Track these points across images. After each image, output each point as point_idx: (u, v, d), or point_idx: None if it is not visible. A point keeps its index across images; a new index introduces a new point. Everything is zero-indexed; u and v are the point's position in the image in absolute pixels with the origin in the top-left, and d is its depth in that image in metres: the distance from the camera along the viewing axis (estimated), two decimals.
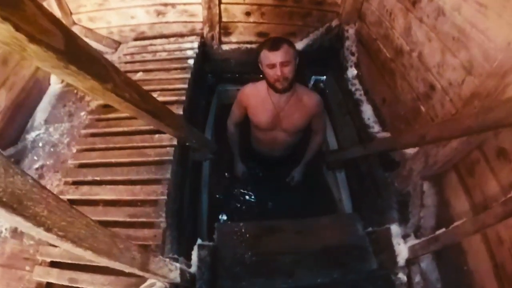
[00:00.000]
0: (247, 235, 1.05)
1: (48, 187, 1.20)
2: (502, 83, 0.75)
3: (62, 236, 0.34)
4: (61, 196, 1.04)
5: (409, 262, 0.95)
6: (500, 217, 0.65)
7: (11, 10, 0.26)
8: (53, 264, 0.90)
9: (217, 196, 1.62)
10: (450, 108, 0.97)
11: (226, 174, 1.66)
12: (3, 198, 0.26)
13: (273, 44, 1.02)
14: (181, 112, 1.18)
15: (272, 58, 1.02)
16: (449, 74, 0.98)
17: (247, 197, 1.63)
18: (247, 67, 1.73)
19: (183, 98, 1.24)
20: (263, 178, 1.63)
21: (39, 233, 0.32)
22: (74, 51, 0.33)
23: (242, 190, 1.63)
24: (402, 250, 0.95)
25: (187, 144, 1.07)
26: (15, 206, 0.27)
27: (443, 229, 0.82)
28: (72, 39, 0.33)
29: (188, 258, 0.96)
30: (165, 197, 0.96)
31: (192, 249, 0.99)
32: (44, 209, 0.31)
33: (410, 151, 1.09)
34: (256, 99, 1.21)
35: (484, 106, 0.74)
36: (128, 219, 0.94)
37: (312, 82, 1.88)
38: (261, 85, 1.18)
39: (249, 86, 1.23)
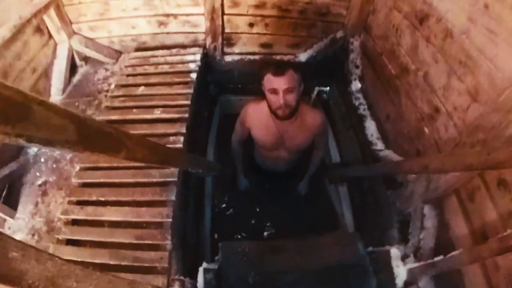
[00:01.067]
0: (251, 255, 1.09)
1: (52, 205, 1.23)
2: (506, 118, 0.78)
3: None
4: (66, 216, 1.07)
5: (408, 283, 1.00)
6: (495, 253, 0.69)
7: (23, 124, 0.26)
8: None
9: (221, 210, 1.66)
10: (454, 133, 0.99)
11: (229, 188, 1.69)
12: (39, 286, 0.29)
13: (278, 69, 0.99)
14: (184, 130, 1.21)
15: (276, 83, 0.99)
16: (454, 98, 1.00)
17: (250, 211, 1.67)
18: (250, 78, 1.74)
19: (186, 115, 1.25)
20: (266, 192, 1.66)
21: None
22: (87, 137, 0.34)
23: (245, 204, 1.67)
24: (400, 273, 0.99)
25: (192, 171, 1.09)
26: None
27: (441, 257, 0.87)
28: (84, 125, 0.34)
29: (192, 275, 1.01)
30: (171, 219, 1.00)
31: (196, 265, 1.03)
32: (73, 282, 0.34)
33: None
34: (259, 120, 1.21)
35: (486, 147, 0.77)
36: (134, 241, 0.98)
37: (315, 93, 1.90)
38: (264, 106, 1.16)
39: (252, 106, 1.22)
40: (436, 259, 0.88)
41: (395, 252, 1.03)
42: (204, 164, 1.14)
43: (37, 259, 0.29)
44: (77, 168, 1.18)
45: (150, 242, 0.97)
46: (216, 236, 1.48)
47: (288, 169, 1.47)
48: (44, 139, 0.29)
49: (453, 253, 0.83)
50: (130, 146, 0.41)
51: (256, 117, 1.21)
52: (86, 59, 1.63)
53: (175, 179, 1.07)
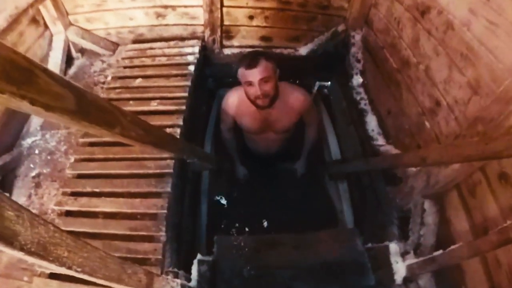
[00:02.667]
0: (246, 249, 1.11)
1: (45, 197, 1.25)
2: (506, 109, 0.79)
3: (80, 271, 0.39)
4: (59, 207, 1.09)
5: (407, 280, 1.01)
6: (495, 245, 0.70)
7: (27, 87, 0.29)
8: (53, 276, 0.96)
9: (217, 203, 1.68)
10: (454, 127, 1.01)
11: (226, 180, 1.72)
12: (31, 249, 0.31)
13: (250, 61, 1.02)
14: (181, 122, 1.23)
15: (250, 76, 1.02)
16: (455, 92, 1.01)
17: (247, 205, 1.69)
18: None
19: (183, 107, 1.28)
20: (264, 180, 1.68)
21: (61, 270, 0.37)
22: (85, 108, 0.37)
23: (243, 197, 1.69)
24: (399, 268, 1.00)
25: (188, 161, 1.12)
26: (41, 253, 0.33)
27: (440, 251, 0.88)
28: (83, 97, 0.37)
29: (187, 269, 1.02)
30: (165, 211, 1.01)
31: (191, 259, 1.05)
32: (64, 251, 0.36)
33: (412, 168, 1.14)
34: (240, 108, 1.23)
35: (484, 137, 0.78)
36: (128, 232, 0.99)
37: (316, 88, 1.92)
38: (244, 93, 1.17)
39: (231, 96, 1.24)
40: (436, 253, 0.90)
41: (394, 247, 1.04)
42: (199, 153, 1.16)
43: (31, 222, 0.31)
44: (72, 159, 1.20)
45: (144, 233, 0.99)
46: (212, 230, 1.50)
47: (280, 150, 1.49)
48: (46, 104, 0.31)
49: (453, 246, 0.84)
50: (124, 123, 0.43)
51: (237, 105, 1.24)
52: (82, 51, 1.66)
53: (171, 170, 1.09)
